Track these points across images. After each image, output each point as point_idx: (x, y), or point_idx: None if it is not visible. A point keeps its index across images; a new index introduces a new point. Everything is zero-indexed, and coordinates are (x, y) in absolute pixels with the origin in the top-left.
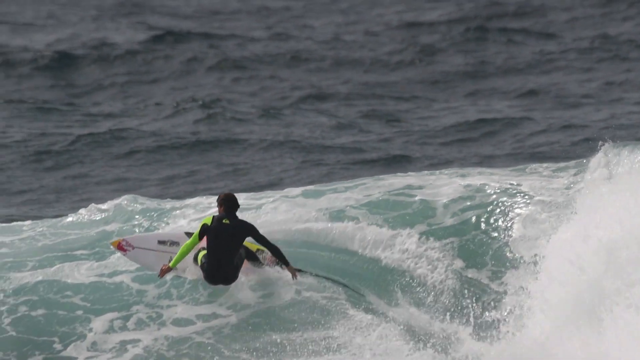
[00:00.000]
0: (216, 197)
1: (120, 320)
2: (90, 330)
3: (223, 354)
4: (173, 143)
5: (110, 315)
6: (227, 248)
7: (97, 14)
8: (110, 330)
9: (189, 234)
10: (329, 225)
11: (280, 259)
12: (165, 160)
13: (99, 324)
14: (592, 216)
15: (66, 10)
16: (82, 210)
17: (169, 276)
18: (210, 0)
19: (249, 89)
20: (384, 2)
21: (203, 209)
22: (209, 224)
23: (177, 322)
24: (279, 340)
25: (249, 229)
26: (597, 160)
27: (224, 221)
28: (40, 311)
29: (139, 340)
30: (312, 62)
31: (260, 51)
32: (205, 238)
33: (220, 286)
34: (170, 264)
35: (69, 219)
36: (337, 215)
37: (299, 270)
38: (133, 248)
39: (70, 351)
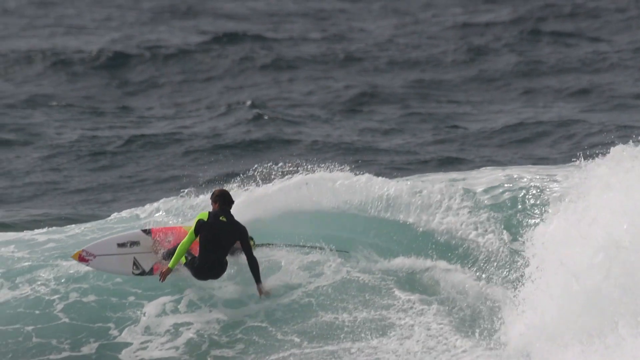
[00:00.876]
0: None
1: (172, 304)
2: (144, 314)
3: (276, 337)
4: (227, 143)
5: (162, 300)
6: (221, 246)
7: (152, 16)
8: (162, 314)
9: (145, 231)
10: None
11: (254, 273)
12: (219, 160)
13: (151, 308)
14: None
15: (122, 12)
16: (134, 209)
17: (171, 277)
18: (267, 2)
19: (302, 90)
20: (441, 3)
21: None
22: (205, 220)
23: (229, 304)
24: (330, 321)
25: (242, 232)
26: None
27: (220, 218)
28: (91, 298)
29: (191, 324)
30: (365, 63)
31: (314, 52)
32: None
33: (211, 280)
34: (170, 265)
35: (122, 214)
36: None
37: (269, 245)
38: (94, 257)
39: (124, 336)
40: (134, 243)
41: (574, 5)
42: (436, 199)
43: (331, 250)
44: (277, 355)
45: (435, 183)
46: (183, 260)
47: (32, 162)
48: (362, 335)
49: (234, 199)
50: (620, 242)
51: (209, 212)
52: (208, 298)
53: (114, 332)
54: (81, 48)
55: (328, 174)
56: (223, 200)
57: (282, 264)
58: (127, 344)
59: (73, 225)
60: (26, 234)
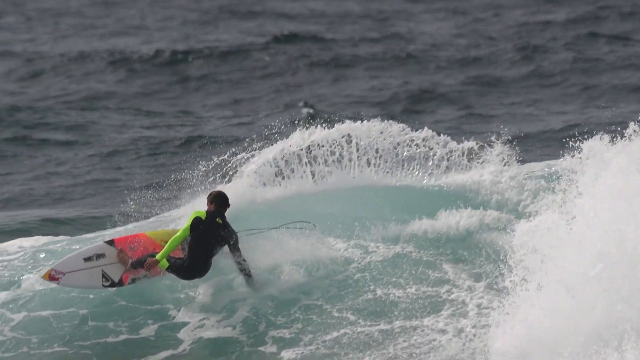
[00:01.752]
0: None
1: (226, 283)
2: (199, 294)
3: (332, 315)
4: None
5: (215, 279)
6: (213, 247)
7: (212, 17)
8: (217, 293)
9: (108, 242)
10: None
11: (246, 279)
12: None
13: (205, 288)
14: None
15: (182, 12)
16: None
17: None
18: (327, 2)
19: (361, 89)
20: (502, 4)
21: None
22: (202, 219)
23: (283, 283)
24: (383, 297)
25: (234, 236)
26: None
27: (217, 220)
28: (145, 280)
29: (246, 303)
30: (424, 62)
31: (372, 52)
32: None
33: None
34: (158, 257)
35: (180, 210)
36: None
37: (251, 230)
38: (63, 274)
39: (182, 316)
40: (100, 255)
41: (633, 6)
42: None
43: (297, 227)
44: (334, 334)
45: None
46: (164, 265)
47: (92, 160)
48: (415, 312)
49: (230, 203)
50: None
51: (206, 211)
52: (261, 276)
53: (172, 313)
54: (141, 47)
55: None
56: (220, 202)
57: (331, 241)
58: (184, 324)
59: (133, 222)
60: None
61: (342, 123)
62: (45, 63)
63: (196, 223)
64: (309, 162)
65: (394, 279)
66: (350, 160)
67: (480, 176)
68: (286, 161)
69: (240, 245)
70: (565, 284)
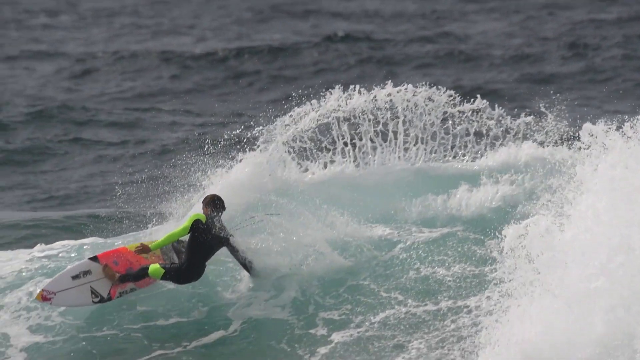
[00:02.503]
0: None
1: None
2: (244, 275)
3: (380, 295)
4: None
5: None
6: (212, 250)
7: (266, 16)
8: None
9: (92, 259)
10: None
11: (247, 269)
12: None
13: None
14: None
15: (236, 11)
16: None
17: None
18: (382, 1)
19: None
20: (558, 3)
21: None
22: (203, 222)
23: (327, 264)
24: (429, 276)
25: (231, 238)
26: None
27: (215, 223)
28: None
29: (292, 283)
30: (478, 60)
31: (426, 50)
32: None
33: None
34: (151, 247)
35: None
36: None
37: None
38: (55, 294)
39: (230, 297)
40: (86, 272)
41: None
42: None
43: (265, 215)
44: (382, 315)
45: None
46: (159, 274)
47: (144, 158)
48: (461, 292)
49: (225, 206)
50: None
51: (205, 214)
52: (306, 257)
53: (219, 295)
54: (194, 46)
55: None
56: (216, 205)
57: (374, 222)
58: (232, 304)
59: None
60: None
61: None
62: (98, 62)
63: (196, 225)
64: (351, 135)
65: (438, 258)
66: (395, 135)
67: (530, 154)
68: (324, 130)
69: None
70: (564, 299)
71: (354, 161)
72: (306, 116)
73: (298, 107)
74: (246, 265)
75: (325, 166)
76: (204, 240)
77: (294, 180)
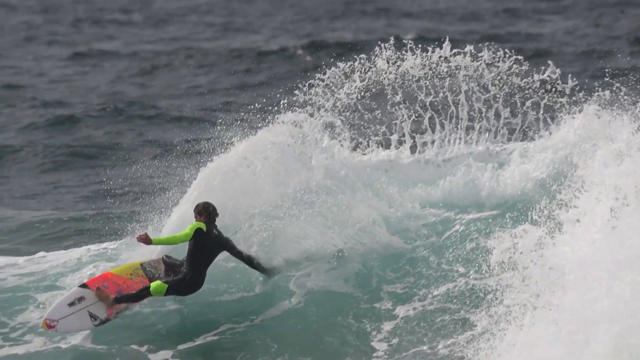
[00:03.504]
0: None
1: (330, 233)
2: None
3: (441, 267)
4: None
5: (320, 230)
6: (212, 257)
7: (340, 14)
8: (322, 240)
9: (82, 286)
10: None
11: (259, 269)
12: None
13: (311, 241)
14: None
15: (312, 10)
16: None
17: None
18: (455, 1)
19: None
20: (631, 1)
21: None
22: (204, 231)
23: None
24: (489, 250)
25: (229, 242)
26: None
27: (214, 231)
28: (231, 265)
29: (349, 252)
30: (550, 57)
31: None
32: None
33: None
34: (153, 240)
35: None
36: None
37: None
38: (57, 321)
39: (290, 269)
40: (80, 299)
41: None
42: None
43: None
44: (445, 288)
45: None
46: (162, 289)
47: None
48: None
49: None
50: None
51: (205, 223)
52: (363, 231)
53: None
54: (264, 43)
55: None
56: (210, 212)
57: (429, 203)
58: (292, 276)
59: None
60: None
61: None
62: (168, 59)
63: (199, 234)
64: (406, 109)
65: (497, 228)
66: (455, 110)
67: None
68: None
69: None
70: (563, 325)
71: (410, 139)
72: (351, 78)
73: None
74: (254, 265)
75: (380, 145)
76: (206, 247)
77: (342, 160)
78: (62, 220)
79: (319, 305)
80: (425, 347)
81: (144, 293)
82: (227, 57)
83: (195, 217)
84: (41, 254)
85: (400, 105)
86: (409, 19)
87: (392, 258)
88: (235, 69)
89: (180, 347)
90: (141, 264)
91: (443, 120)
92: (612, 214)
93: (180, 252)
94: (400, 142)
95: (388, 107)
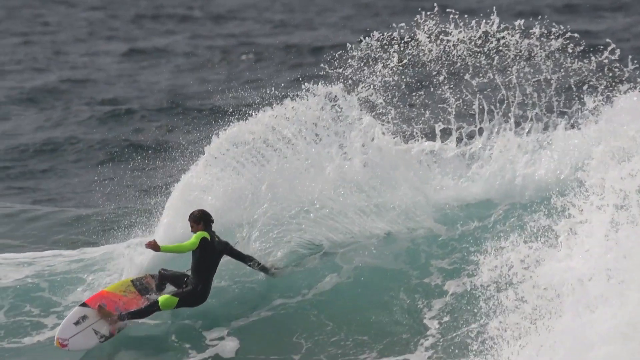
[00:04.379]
0: None
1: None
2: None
3: (485, 243)
4: None
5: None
6: (217, 265)
7: (399, 10)
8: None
9: (83, 305)
10: None
11: (261, 269)
12: None
13: (352, 215)
14: None
15: (372, 6)
16: None
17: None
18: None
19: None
20: None
21: None
22: (209, 240)
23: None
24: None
25: (228, 245)
26: None
27: (216, 238)
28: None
29: (389, 230)
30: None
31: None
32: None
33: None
34: (162, 248)
35: None
36: None
37: (277, 269)
38: (68, 340)
39: (332, 248)
40: (83, 317)
41: None
42: None
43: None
44: (493, 264)
45: None
46: (173, 302)
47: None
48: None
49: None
50: None
51: (208, 231)
52: (407, 212)
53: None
54: (316, 40)
55: None
56: (208, 220)
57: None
58: (335, 254)
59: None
60: None
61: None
62: (227, 54)
63: (205, 243)
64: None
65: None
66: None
67: None
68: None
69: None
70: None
71: (455, 129)
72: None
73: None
74: (255, 265)
75: (423, 134)
76: (212, 256)
77: (387, 150)
78: (117, 214)
79: (368, 280)
80: (475, 326)
81: (153, 309)
82: (284, 52)
83: (192, 225)
84: (94, 245)
85: (445, 87)
86: (469, 15)
87: (437, 234)
88: (293, 63)
89: (234, 323)
90: (132, 281)
91: (492, 106)
92: (612, 223)
93: (166, 263)
94: (445, 131)
95: (432, 89)
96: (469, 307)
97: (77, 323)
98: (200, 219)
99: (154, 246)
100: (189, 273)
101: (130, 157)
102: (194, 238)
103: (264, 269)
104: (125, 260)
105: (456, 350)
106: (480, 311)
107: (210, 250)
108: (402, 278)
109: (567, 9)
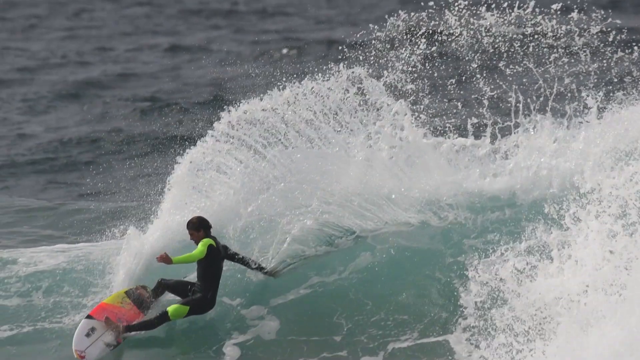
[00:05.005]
0: None
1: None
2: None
3: (520, 225)
4: None
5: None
6: (222, 271)
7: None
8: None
9: (89, 317)
10: None
11: (259, 269)
12: None
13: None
14: None
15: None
16: None
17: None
18: None
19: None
20: None
21: None
22: (215, 247)
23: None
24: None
25: (227, 249)
26: None
27: (219, 244)
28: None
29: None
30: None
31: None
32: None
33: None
34: (174, 260)
35: None
36: None
37: (277, 271)
38: (84, 351)
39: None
40: (92, 329)
41: None
42: None
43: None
44: (526, 244)
45: None
46: (184, 311)
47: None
48: None
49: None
50: None
51: (211, 237)
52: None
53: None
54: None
55: None
56: (207, 226)
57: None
58: (370, 232)
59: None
60: None
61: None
62: (268, 50)
63: (212, 250)
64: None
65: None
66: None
67: None
68: None
69: None
70: None
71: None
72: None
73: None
74: (254, 266)
75: (455, 128)
76: (219, 262)
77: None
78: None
79: (402, 259)
80: (506, 309)
81: (162, 320)
82: (326, 47)
83: (192, 233)
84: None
85: (477, 76)
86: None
87: (471, 213)
88: (333, 58)
89: (273, 301)
90: (125, 292)
91: (528, 99)
92: (609, 234)
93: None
94: (476, 126)
95: (463, 79)
96: (503, 287)
97: (87, 335)
98: (200, 226)
99: (165, 259)
100: (187, 280)
101: (173, 150)
102: (201, 246)
103: (264, 270)
104: (117, 268)
105: (492, 332)
106: (512, 293)
107: (217, 257)
108: (436, 258)
109: (611, 4)
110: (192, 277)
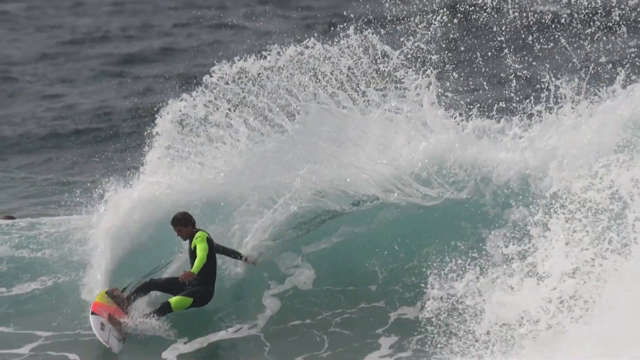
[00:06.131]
0: None
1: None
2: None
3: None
4: None
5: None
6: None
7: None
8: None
9: (94, 314)
10: None
11: (236, 256)
12: None
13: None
14: None
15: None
16: None
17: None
18: None
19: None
20: None
21: None
22: (211, 239)
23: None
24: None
25: (214, 243)
26: None
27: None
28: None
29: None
30: None
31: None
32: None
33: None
34: (194, 270)
35: None
36: None
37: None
38: (107, 342)
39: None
40: (102, 325)
41: None
42: None
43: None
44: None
45: None
46: (187, 302)
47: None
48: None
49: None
50: None
51: (205, 231)
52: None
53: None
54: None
55: None
56: (192, 220)
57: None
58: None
59: None
60: None
61: None
62: (313, 25)
63: (210, 242)
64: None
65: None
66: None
67: None
68: None
69: None
70: None
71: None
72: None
73: None
74: (235, 255)
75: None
76: (214, 255)
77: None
78: None
79: (429, 210)
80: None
81: (165, 311)
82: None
83: (180, 229)
84: None
85: (505, 52)
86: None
87: (481, 195)
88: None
89: (305, 249)
90: (106, 292)
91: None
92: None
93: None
94: (500, 111)
95: (489, 54)
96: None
97: (102, 329)
98: (188, 221)
99: (189, 275)
100: (176, 275)
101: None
102: (202, 243)
103: (244, 259)
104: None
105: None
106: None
107: (212, 247)
108: (464, 211)
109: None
110: (172, 270)
